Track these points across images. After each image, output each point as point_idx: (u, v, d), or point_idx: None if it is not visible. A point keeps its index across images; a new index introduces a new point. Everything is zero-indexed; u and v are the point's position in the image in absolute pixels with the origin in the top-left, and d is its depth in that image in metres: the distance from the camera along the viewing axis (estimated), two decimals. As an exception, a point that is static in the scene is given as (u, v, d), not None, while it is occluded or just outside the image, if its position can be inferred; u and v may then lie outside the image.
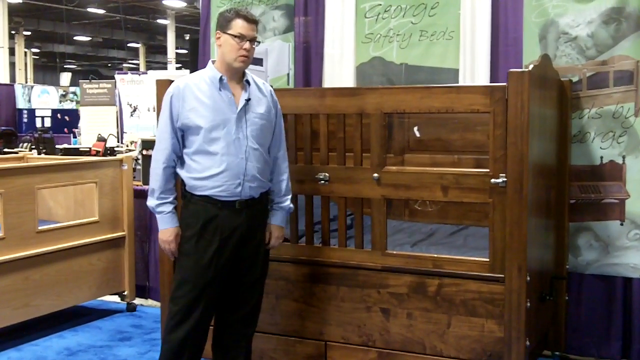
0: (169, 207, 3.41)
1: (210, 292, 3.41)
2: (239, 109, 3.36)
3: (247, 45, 3.35)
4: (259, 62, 5.34)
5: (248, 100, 3.39)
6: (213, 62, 3.45)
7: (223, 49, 3.37)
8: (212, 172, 3.32)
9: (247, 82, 3.44)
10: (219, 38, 3.39)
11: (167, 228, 3.42)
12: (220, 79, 3.36)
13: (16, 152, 7.57)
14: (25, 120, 19.90)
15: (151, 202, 3.42)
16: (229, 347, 3.60)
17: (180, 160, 3.42)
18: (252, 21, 3.39)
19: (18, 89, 20.73)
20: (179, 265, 3.45)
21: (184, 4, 25.06)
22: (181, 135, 3.38)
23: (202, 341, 3.48)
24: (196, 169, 3.35)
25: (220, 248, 3.36)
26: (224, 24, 3.37)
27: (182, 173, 3.40)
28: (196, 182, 3.35)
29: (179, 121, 3.35)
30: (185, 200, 3.44)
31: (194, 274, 3.37)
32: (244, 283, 3.52)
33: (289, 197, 3.61)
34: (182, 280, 3.40)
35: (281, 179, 3.58)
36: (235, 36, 3.33)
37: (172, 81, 4.20)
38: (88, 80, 13.47)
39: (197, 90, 3.35)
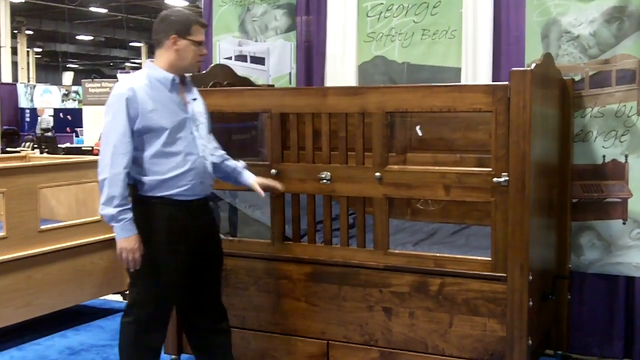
0: (130, 214, 3.26)
1: (179, 295, 3.44)
2: (188, 109, 3.38)
3: (205, 50, 3.44)
4: (260, 61, 5.34)
5: (194, 100, 3.44)
6: (151, 61, 3.41)
7: (181, 54, 3.34)
8: (177, 172, 3.30)
9: (190, 82, 3.48)
10: (175, 42, 3.34)
11: (130, 236, 3.26)
12: (173, 80, 3.35)
13: (18, 152, 7.59)
14: (27, 119, 19.96)
15: (109, 210, 3.20)
16: (212, 346, 3.63)
17: (135, 164, 3.30)
18: (207, 26, 3.50)
19: (20, 88, 20.80)
20: (145, 272, 3.34)
21: (186, 3, 25.08)
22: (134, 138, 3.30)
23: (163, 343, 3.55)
24: (158, 170, 3.29)
25: (189, 249, 3.37)
26: (182, 30, 3.33)
27: (140, 176, 3.31)
28: (158, 183, 3.30)
29: (139, 123, 3.25)
30: (141, 204, 3.33)
31: (168, 279, 3.35)
32: (209, 281, 3.56)
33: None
34: (153, 284, 3.35)
35: (226, 156, 3.68)
36: (197, 42, 3.36)
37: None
38: (90, 80, 13.51)
39: (150, 91, 3.30)
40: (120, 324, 3.45)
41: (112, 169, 3.21)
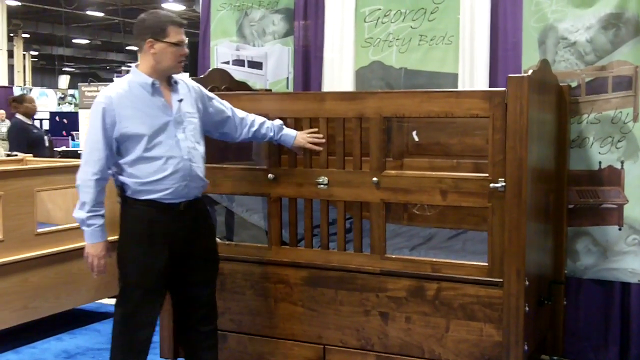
0: (101, 220, 3.33)
1: (162, 294, 3.47)
2: (174, 111, 3.38)
3: (185, 50, 3.41)
4: (258, 65, 5.34)
5: (180, 101, 3.42)
6: (136, 66, 3.42)
7: (159, 57, 3.34)
8: (158, 176, 3.31)
9: (176, 82, 3.47)
10: (152, 46, 3.33)
11: (97, 242, 3.35)
12: (153, 84, 3.35)
13: (15, 155, 7.58)
14: (23, 122, 19.89)
15: (80, 214, 3.31)
16: (197, 348, 3.66)
17: (119, 168, 3.36)
18: (184, 25, 3.43)
19: (16, 92, 20.73)
20: (127, 270, 3.40)
21: (183, 7, 25.07)
22: (116, 146, 3.32)
23: (151, 340, 3.53)
24: (140, 175, 3.31)
25: (171, 252, 3.38)
26: (157, 32, 3.33)
27: (124, 179, 3.35)
28: (141, 187, 3.32)
29: (116, 132, 3.28)
30: (127, 206, 3.39)
31: (147, 279, 3.37)
32: (196, 283, 3.57)
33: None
34: (134, 285, 3.38)
35: (258, 124, 3.74)
36: (175, 44, 3.35)
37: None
38: (87, 83, 13.50)
39: (129, 98, 3.31)
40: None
41: (83, 175, 3.32)
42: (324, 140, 3.78)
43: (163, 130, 3.33)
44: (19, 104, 8.20)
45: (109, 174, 3.38)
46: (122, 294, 3.45)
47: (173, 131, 3.35)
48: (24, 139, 8.19)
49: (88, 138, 3.34)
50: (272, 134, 3.75)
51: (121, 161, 3.34)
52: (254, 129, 3.73)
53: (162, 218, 3.35)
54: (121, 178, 3.37)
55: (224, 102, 3.74)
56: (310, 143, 3.77)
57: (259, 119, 3.76)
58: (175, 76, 3.49)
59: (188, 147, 3.39)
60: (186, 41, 3.42)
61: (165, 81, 3.42)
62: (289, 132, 3.78)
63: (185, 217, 3.42)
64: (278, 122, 3.79)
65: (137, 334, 3.42)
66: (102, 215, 3.34)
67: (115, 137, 3.29)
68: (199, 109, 3.53)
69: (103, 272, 3.41)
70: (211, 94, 3.70)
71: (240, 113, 3.74)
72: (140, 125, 3.29)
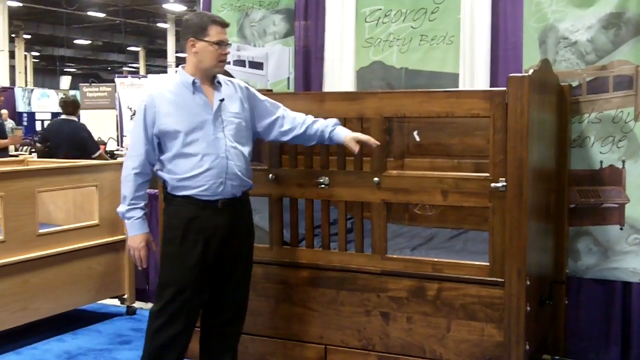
0: (140, 213, 3.43)
1: (195, 292, 3.45)
2: (214, 109, 3.40)
3: (227, 49, 3.45)
4: (259, 66, 5.35)
5: (222, 100, 3.44)
6: (182, 67, 3.48)
7: (200, 56, 3.39)
8: (194, 172, 3.35)
9: (219, 82, 3.49)
10: (193, 45, 3.39)
11: (137, 234, 3.44)
12: (194, 83, 3.40)
13: (16, 155, 7.57)
14: (25, 123, 19.95)
15: (121, 208, 3.44)
16: (215, 348, 3.65)
17: (160, 164, 3.45)
18: (227, 25, 3.48)
19: (18, 92, 20.78)
20: (162, 268, 3.45)
21: (184, 8, 25.10)
22: (157, 142, 3.40)
23: (187, 342, 3.50)
24: (177, 171, 3.38)
25: (204, 249, 3.40)
26: (198, 31, 3.38)
27: (164, 175, 3.44)
28: (178, 183, 3.38)
29: (155, 128, 3.37)
30: (167, 202, 3.47)
31: (179, 277, 3.39)
32: (227, 283, 3.56)
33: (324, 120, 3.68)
34: (167, 283, 3.41)
35: (310, 121, 3.64)
36: (215, 43, 3.38)
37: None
38: (88, 84, 13.51)
39: (170, 96, 3.39)
40: None
41: (124, 170, 3.44)
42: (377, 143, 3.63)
43: (201, 127, 3.36)
44: (77, 108, 8.04)
45: (151, 169, 3.45)
46: (157, 290, 3.49)
47: (211, 129, 3.38)
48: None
49: (131, 135, 3.50)
50: (322, 131, 3.62)
51: (162, 157, 3.42)
52: (304, 127, 3.63)
53: (199, 215, 3.38)
54: (161, 174, 3.45)
55: (276, 103, 3.69)
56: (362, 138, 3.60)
57: (310, 117, 3.67)
58: (222, 76, 3.53)
59: (226, 145, 3.40)
60: (227, 41, 3.45)
61: (208, 80, 3.46)
62: (341, 130, 3.64)
63: (224, 216, 3.43)
64: (332, 120, 3.68)
65: (165, 331, 3.40)
66: (142, 208, 3.44)
67: (155, 134, 3.38)
68: (244, 109, 3.54)
69: (145, 264, 3.49)
70: (262, 96, 3.68)
71: (291, 114, 3.68)
72: (178, 122, 3.35)
